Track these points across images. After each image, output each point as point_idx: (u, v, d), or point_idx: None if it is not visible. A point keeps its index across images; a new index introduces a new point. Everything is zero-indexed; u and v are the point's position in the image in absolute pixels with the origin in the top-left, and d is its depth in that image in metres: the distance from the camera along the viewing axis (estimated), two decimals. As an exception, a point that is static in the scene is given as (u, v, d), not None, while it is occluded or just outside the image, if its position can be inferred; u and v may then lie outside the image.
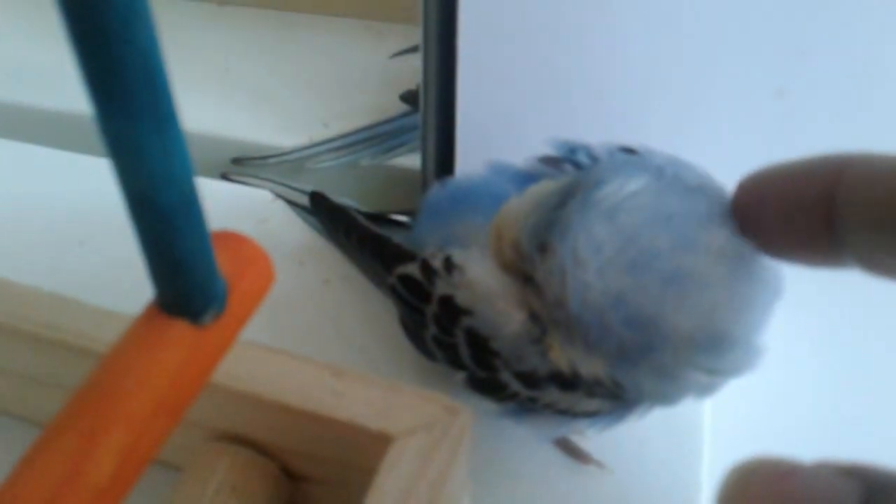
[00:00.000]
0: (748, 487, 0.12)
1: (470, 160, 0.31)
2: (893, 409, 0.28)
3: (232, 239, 0.16)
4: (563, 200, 0.18)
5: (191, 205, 0.13)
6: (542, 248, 0.18)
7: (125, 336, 0.15)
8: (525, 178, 0.22)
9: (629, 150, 0.21)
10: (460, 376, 0.23)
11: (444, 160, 0.33)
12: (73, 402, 0.13)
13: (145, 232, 0.13)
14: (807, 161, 0.16)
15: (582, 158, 0.22)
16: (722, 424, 0.26)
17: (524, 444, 0.26)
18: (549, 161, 0.23)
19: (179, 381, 0.14)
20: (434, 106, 0.32)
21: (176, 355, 0.14)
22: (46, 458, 0.13)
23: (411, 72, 0.37)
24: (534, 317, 0.20)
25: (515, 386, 0.21)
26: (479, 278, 0.21)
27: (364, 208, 0.30)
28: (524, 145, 0.24)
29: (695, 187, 0.18)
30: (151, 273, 0.14)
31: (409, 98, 0.38)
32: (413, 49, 0.40)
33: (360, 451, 0.19)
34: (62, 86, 0.38)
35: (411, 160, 0.37)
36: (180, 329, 0.15)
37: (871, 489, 0.11)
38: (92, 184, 0.35)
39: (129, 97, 0.11)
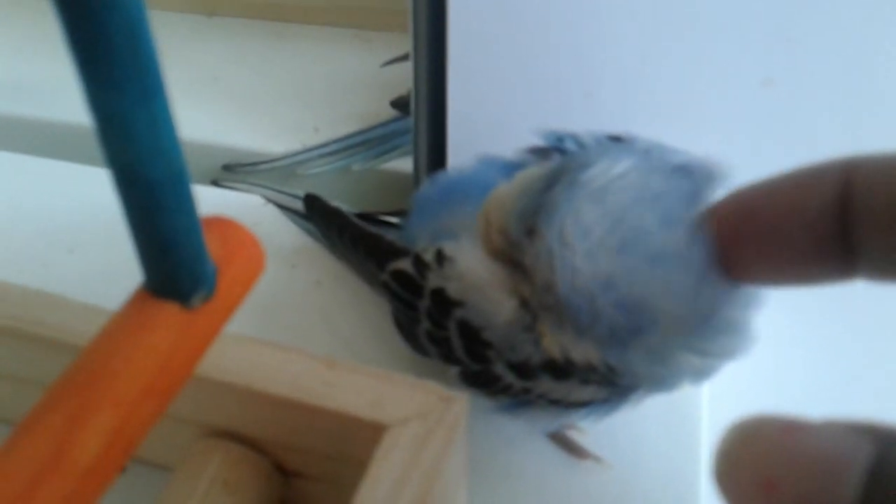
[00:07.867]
0: (750, 444, 0.11)
1: (461, 162, 0.31)
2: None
3: (222, 223, 0.16)
4: (550, 184, 0.18)
5: (178, 180, 0.13)
6: (530, 232, 0.18)
7: (114, 319, 0.14)
8: (514, 168, 0.22)
9: (616, 138, 0.21)
10: (454, 371, 0.23)
11: (435, 163, 0.33)
12: (60, 384, 0.13)
13: (133, 208, 0.13)
14: (802, 171, 0.15)
15: (570, 146, 0.22)
16: (720, 416, 0.26)
17: (521, 440, 0.25)
18: (537, 151, 0.23)
19: (168, 365, 0.14)
20: (425, 110, 0.32)
21: (165, 338, 0.14)
22: (31, 437, 0.12)
23: (401, 78, 0.37)
24: (524, 304, 0.20)
25: (509, 378, 0.21)
26: (470, 268, 0.21)
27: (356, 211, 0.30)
28: (514, 147, 0.24)
29: (680, 167, 0.18)
30: (140, 253, 0.14)
31: (400, 104, 0.38)
32: (404, 57, 0.40)
33: (354, 443, 0.19)
34: (55, 97, 0.38)
35: (403, 164, 0.37)
36: (169, 312, 0.14)
37: (884, 447, 0.10)
38: (82, 192, 0.35)
39: (113, 65, 0.11)
